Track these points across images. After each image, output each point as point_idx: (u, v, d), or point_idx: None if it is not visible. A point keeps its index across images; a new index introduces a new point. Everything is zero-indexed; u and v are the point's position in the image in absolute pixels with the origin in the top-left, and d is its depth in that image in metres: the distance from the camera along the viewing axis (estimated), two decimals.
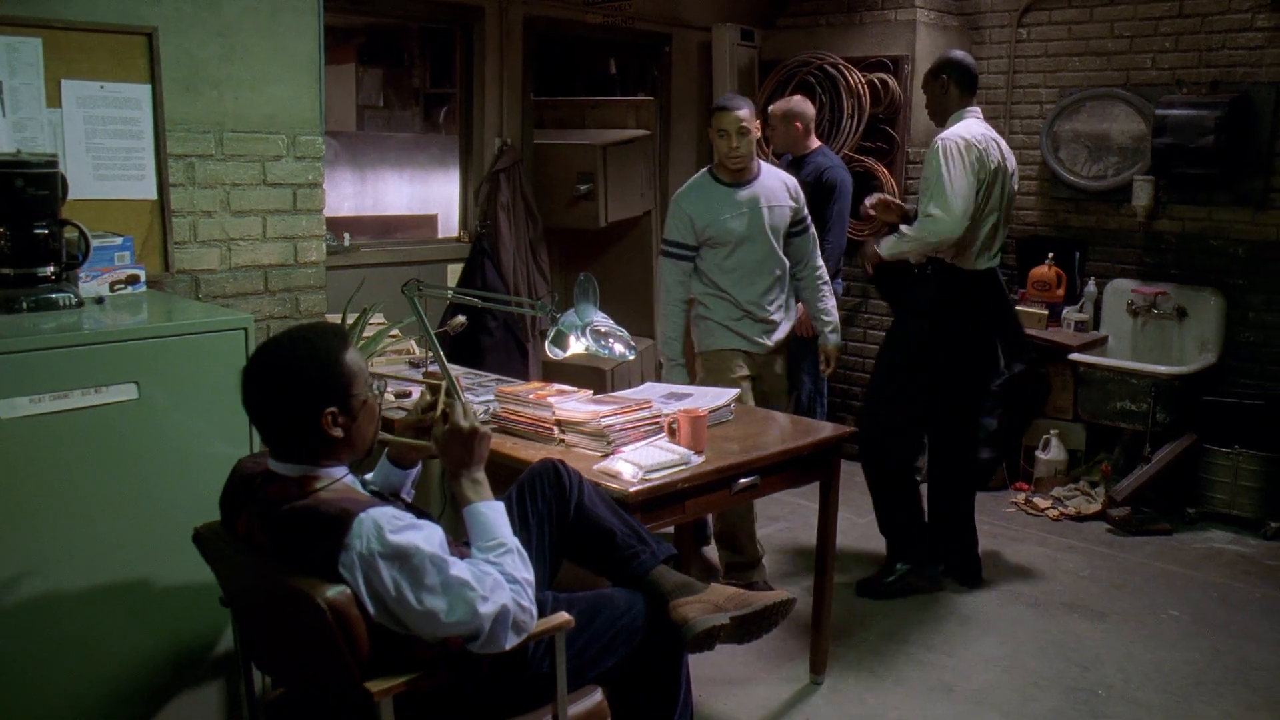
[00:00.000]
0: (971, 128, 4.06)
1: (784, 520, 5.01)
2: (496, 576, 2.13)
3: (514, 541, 2.24)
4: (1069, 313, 5.57)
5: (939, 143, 4.00)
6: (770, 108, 5.26)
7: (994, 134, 4.13)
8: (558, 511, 2.59)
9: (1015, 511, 5.24)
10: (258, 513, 2.14)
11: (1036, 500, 5.26)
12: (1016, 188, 4.30)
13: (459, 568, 2.07)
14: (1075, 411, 5.44)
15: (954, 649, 3.79)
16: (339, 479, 2.16)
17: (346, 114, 6.99)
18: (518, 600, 2.14)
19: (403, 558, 2.01)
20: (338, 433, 2.13)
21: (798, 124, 5.06)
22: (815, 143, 5.16)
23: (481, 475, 2.34)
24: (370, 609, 2.01)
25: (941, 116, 4.21)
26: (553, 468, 2.62)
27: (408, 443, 2.47)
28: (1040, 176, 5.89)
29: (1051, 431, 5.44)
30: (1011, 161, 4.18)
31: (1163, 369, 5.08)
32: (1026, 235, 5.94)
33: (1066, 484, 5.36)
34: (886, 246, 4.15)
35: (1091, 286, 5.63)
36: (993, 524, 5.05)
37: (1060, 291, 5.63)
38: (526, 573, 2.21)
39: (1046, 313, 5.53)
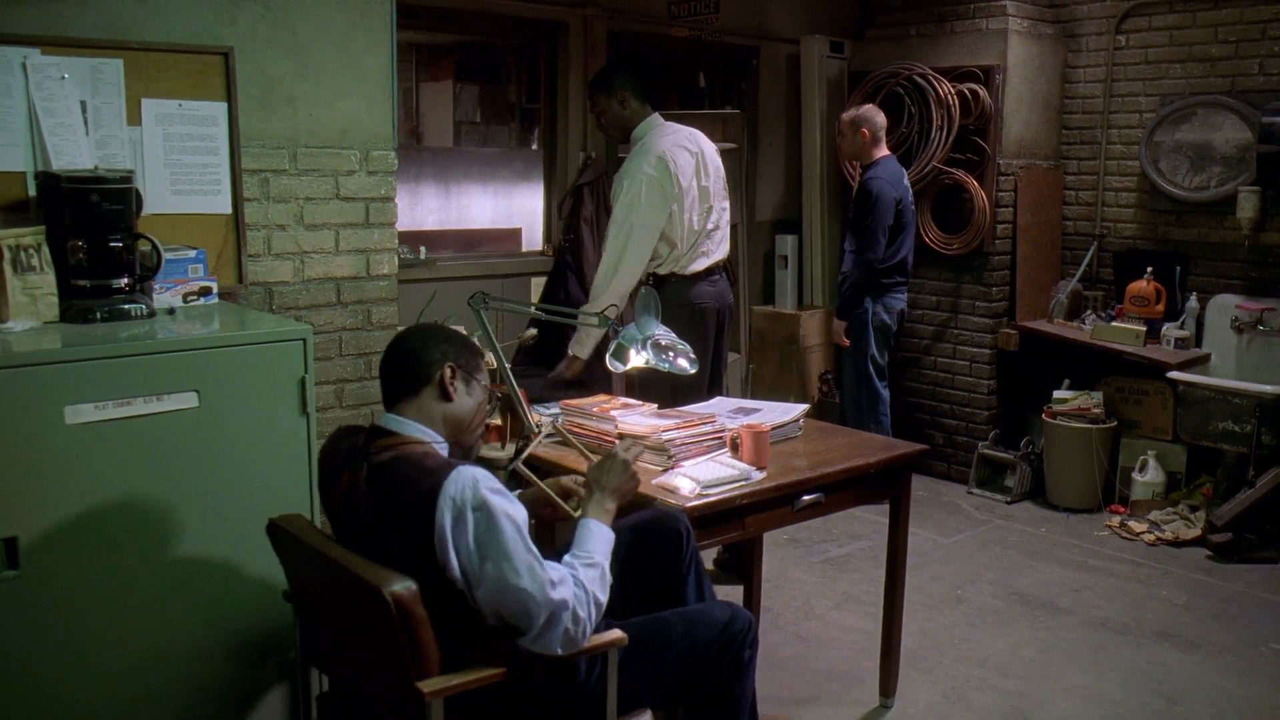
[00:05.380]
0: (662, 140, 3.97)
1: (866, 539, 4.91)
2: (566, 574, 2.19)
3: (605, 564, 2.29)
4: (1169, 329, 5.35)
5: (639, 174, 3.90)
6: (841, 115, 5.41)
7: (685, 132, 4.07)
8: (657, 578, 2.65)
9: (1108, 535, 5.04)
10: (362, 464, 2.23)
11: (1131, 524, 5.05)
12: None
13: (535, 552, 2.14)
14: (1174, 432, 5.22)
15: (1032, 675, 3.66)
16: (439, 443, 2.29)
17: (444, 130, 7.10)
18: (577, 606, 2.16)
19: (490, 515, 2.10)
20: (452, 389, 2.30)
21: (864, 131, 5.21)
22: (882, 152, 5.26)
23: (612, 505, 2.45)
24: (450, 557, 2.09)
25: (623, 133, 4.10)
26: (678, 532, 2.67)
27: (548, 495, 2.65)
28: (1139, 188, 5.69)
29: (1149, 453, 5.23)
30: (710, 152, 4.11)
31: (1269, 388, 4.84)
32: (1124, 249, 5.75)
33: (1164, 507, 5.14)
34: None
35: (1193, 302, 5.40)
36: (1083, 547, 4.88)
37: (1160, 307, 5.42)
38: (601, 593, 2.24)
39: (1144, 329, 5.31)
